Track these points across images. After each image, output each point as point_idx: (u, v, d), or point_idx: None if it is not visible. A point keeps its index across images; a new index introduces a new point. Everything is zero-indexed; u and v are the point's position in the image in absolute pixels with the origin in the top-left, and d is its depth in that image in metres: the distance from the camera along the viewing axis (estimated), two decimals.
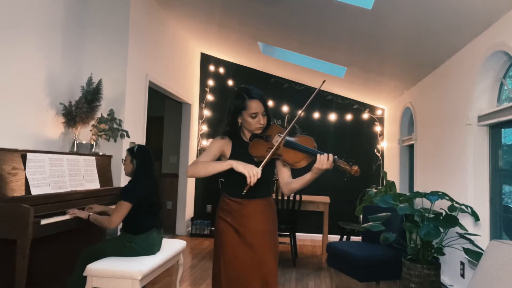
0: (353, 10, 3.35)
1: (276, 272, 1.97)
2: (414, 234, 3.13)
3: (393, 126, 5.82)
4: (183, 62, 5.80)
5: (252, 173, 1.74)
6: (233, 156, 1.95)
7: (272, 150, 1.86)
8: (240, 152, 1.96)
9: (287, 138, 1.90)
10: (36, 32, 3.24)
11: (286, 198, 4.60)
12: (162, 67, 4.98)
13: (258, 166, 1.81)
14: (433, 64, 4.02)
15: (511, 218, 2.97)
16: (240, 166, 1.78)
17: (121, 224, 2.81)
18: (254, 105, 1.91)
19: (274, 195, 4.52)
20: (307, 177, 1.85)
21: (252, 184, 1.75)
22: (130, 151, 2.90)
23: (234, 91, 2.03)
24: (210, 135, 6.54)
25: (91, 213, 2.79)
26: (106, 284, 2.49)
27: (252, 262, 1.92)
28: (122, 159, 3.01)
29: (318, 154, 1.75)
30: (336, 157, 1.75)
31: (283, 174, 2.01)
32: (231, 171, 1.83)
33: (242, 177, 1.78)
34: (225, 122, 2.01)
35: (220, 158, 2.00)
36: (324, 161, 1.73)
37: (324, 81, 2.08)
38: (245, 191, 1.78)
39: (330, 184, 6.15)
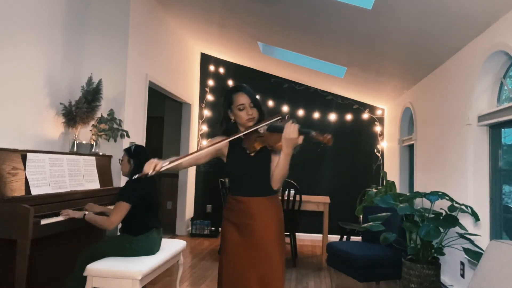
0: (353, 10, 3.35)
1: (281, 275, 1.90)
2: (414, 234, 3.13)
3: (393, 126, 5.82)
4: (183, 62, 5.80)
5: (151, 166, 1.83)
6: (230, 154, 2.00)
7: (252, 132, 1.87)
8: (236, 149, 1.98)
9: (273, 124, 1.88)
10: (36, 32, 3.24)
11: (285, 198, 4.60)
12: (162, 67, 4.98)
13: (251, 159, 1.91)
14: (433, 64, 4.02)
15: (511, 218, 2.97)
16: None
17: (120, 225, 2.80)
18: (240, 97, 1.97)
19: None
20: (280, 156, 1.86)
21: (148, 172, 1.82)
22: (127, 151, 2.90)
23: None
24: (210, 135, 6.54)
25: (86, 213, 2.76)
26: (106, 284, 2.49)
27: (254, 263, 1.89)
28: (119, 159, 2.99)
29: (286, 123, 1.76)
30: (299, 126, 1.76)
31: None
32: (231, 168, 1.98)
33: (243, 173, 1.95)
34: (220, 123, 2.06)
35: (219, 156, 2.04)
36: (290, 130, 1.75)
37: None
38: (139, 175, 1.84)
39: (330, 184, 6.16)
